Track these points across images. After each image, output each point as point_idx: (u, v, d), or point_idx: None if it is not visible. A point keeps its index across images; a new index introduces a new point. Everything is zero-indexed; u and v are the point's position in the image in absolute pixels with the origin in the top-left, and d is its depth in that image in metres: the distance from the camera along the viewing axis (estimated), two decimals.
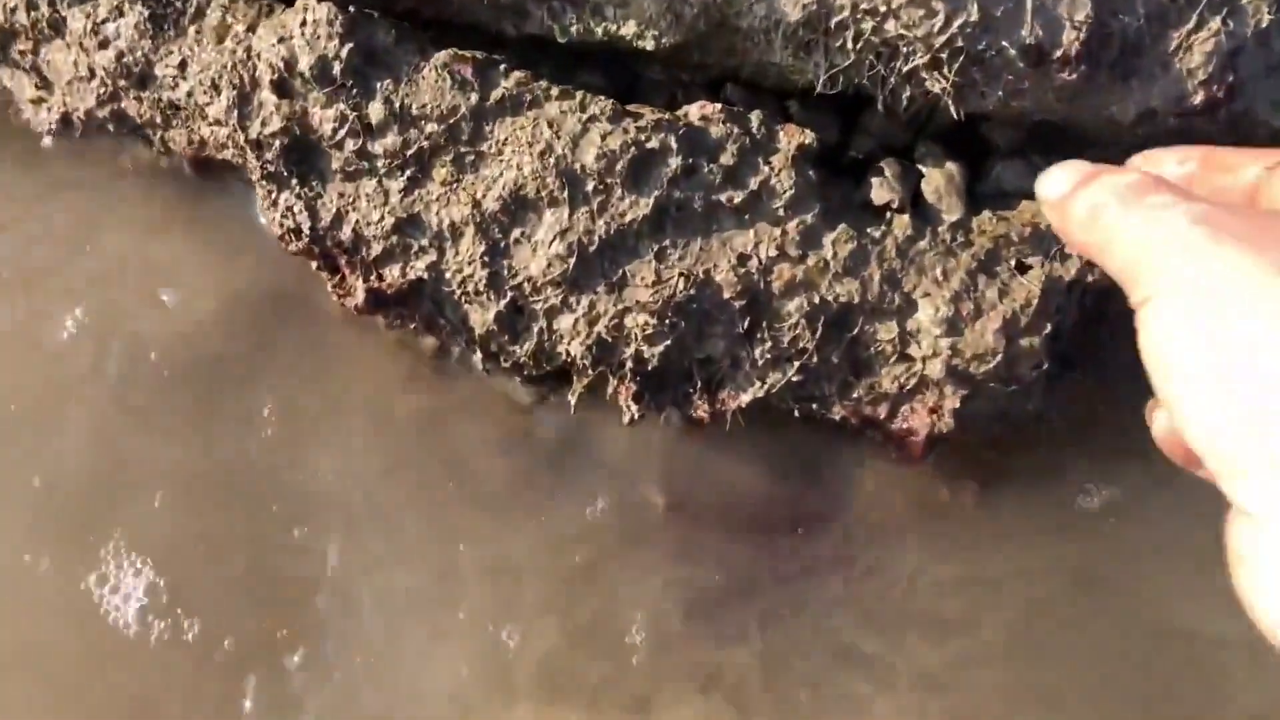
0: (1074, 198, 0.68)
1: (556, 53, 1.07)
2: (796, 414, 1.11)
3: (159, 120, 1.08)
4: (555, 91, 0.98)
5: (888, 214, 1.05)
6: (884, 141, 1.08)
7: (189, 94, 1.04)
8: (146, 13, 1.04)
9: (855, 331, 1.05)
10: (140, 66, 1.05)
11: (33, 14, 1.09)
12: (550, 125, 0.98)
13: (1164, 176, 0.64)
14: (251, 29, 1.03)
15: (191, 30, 1.06)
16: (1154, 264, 0.56)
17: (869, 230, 1.04)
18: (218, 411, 1.15)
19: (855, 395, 1.09)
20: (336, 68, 0.97)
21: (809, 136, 1.01)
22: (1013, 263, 1.06)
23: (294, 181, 1.04)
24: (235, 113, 1.01)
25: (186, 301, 1.18)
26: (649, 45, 0.95)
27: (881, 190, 1.05)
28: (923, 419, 1.08)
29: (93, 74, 1.08)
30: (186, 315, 1.17)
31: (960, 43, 0.91)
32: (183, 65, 1.05)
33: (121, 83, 1.06)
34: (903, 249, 1.04)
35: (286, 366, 1.15)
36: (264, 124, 1.01)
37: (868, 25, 0.91)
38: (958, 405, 1.07)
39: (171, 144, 1.13)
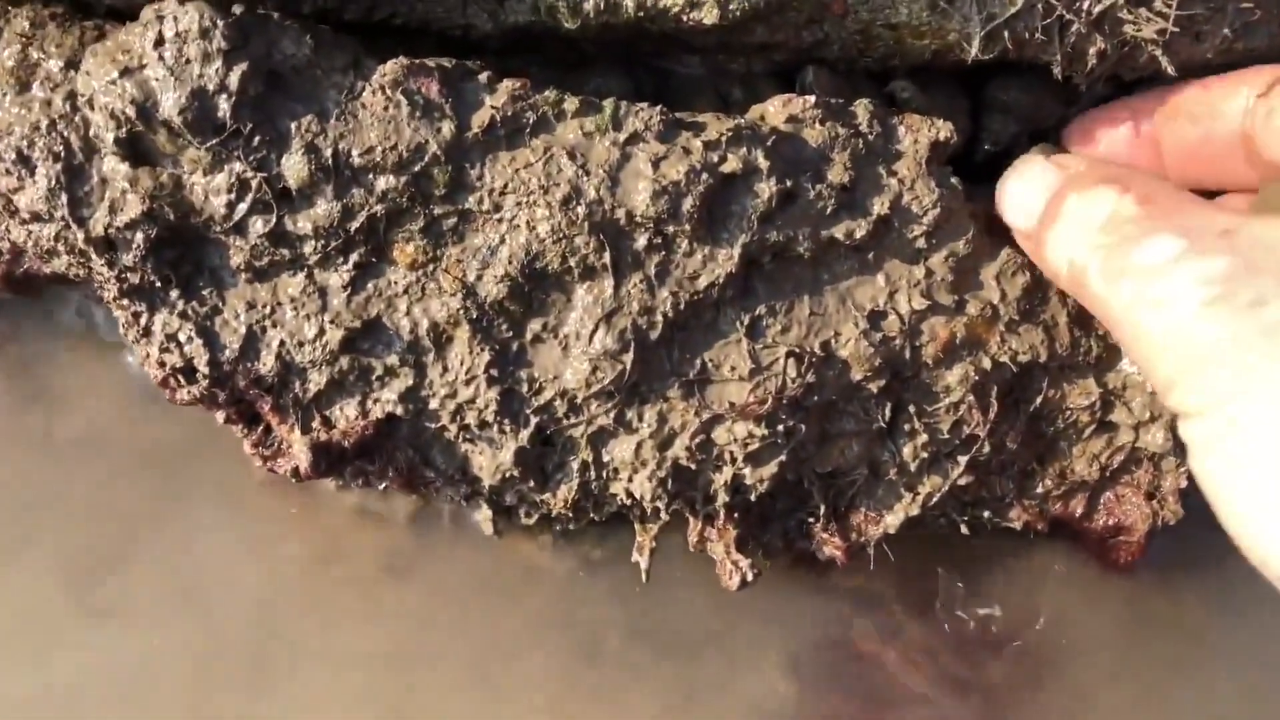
0: (1043, 244, 0.62)
1: (549, 51, 0.72)
2: (963, 528, 0.77)
3: None
4: (571, 104, 0.63)
5: None
6: (1029, 122, 0.75)
7: None
8: None
9: (1039, 401, 0.72)
10: None
11: None
12: (571, 156, 0.63)
13: (1141, 180, 0.58)
14: (73, 64, 0.65)
15: None
16: (1175, 371, 0.50)
17: None
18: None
19: (1039, 490, 0.75)
20: (223, 105, 0.60)
21: (943, 128, 0.68)
22: None
23: (173, 294, 0.65)
24: (63, 198, 0.63)
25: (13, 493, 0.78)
26: (710, 17, 0.61)
27: None
28: (1137, 509, 0.76)
29: None
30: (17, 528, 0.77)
31: None
32: None
33: None
34: None
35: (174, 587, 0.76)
36: (113, 210, 0.63)
37: None
38: (1184, 484, 0.75)
39: None
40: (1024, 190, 0.64)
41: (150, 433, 0.80)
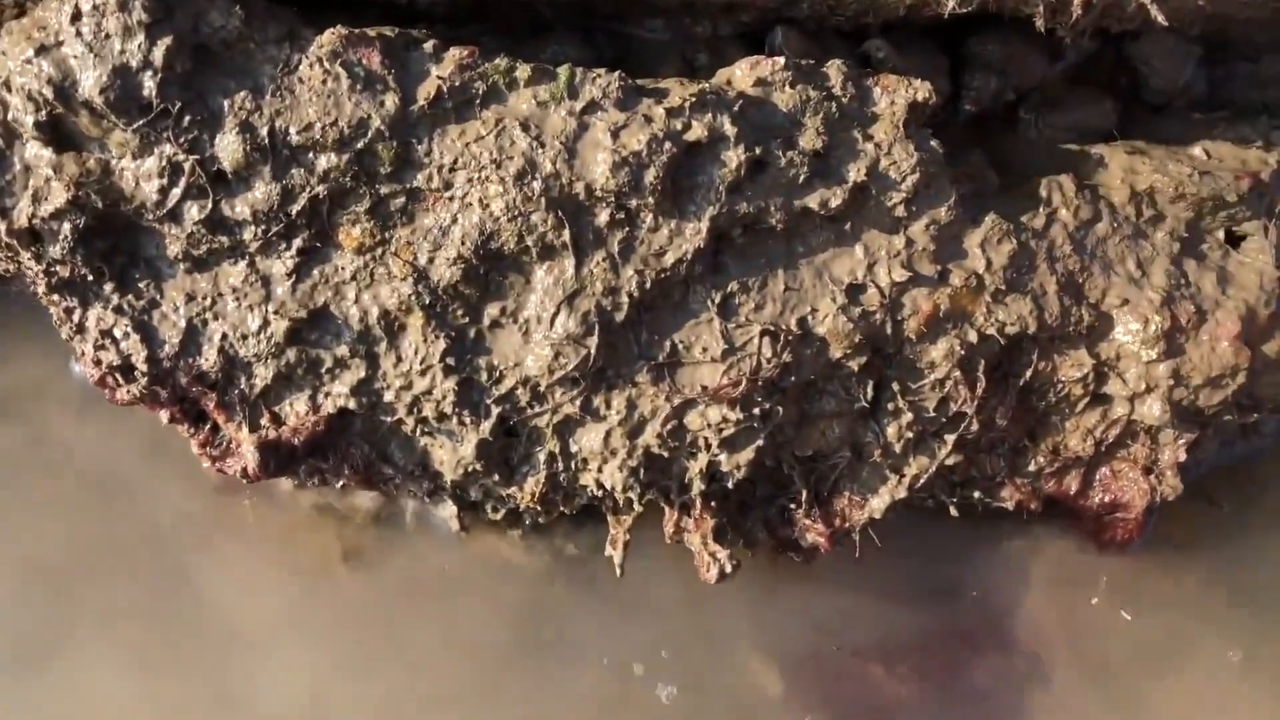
0: None
1: (502, 18, 0.68)
2: (952, 510, 0.73)
3: None
4: (523, 72, 0.59)
5: (1045, 189, 0.69)
6: (1011, 79, 0.71)
7: None
8: None
9: (1029, 374, 0.68)
10: None
11: None
12: (525, 128, 0.59)
13: None
14: None
15: None
16: None
17: (1025, 219, 0.67)
18: None
19: (1032, 467, 0.72)
20: (148, 83, 0.56)
21: (920, 88, 0.64)
22: (1221, 234, 0.71)
23: (107, 288, 0.61)
24: None
25: None
26: None
27: None
28: (1135, 485, 0.72)
29: None
30: None
31: None
32: None
33: None
34: (1077, 237, 0.68)
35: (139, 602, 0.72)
36: (37, 199, 0.59)
37: None
38: (1183, 458, 0.71)
39: None
40: None
41: (99, 440, 0.75)
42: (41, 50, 0.56)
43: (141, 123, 0.56)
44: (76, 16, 0.55)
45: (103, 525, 0.77)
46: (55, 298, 0.60)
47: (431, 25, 0.66)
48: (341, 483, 0.66)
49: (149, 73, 0.54)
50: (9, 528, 0.77)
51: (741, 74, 0.63)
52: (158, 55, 0.54)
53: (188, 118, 0.56)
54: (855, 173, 0.62)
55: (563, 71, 0.59)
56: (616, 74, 0.60)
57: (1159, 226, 0.69)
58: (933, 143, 0.64)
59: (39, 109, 0.56)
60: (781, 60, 0.62)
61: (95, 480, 0.77)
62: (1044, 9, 0.61)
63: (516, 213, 0.58)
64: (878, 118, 0.63)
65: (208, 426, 0.64)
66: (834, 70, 0.62)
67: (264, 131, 0.57)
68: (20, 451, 0.78)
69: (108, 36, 0.54)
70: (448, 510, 0.71)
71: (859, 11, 0.65)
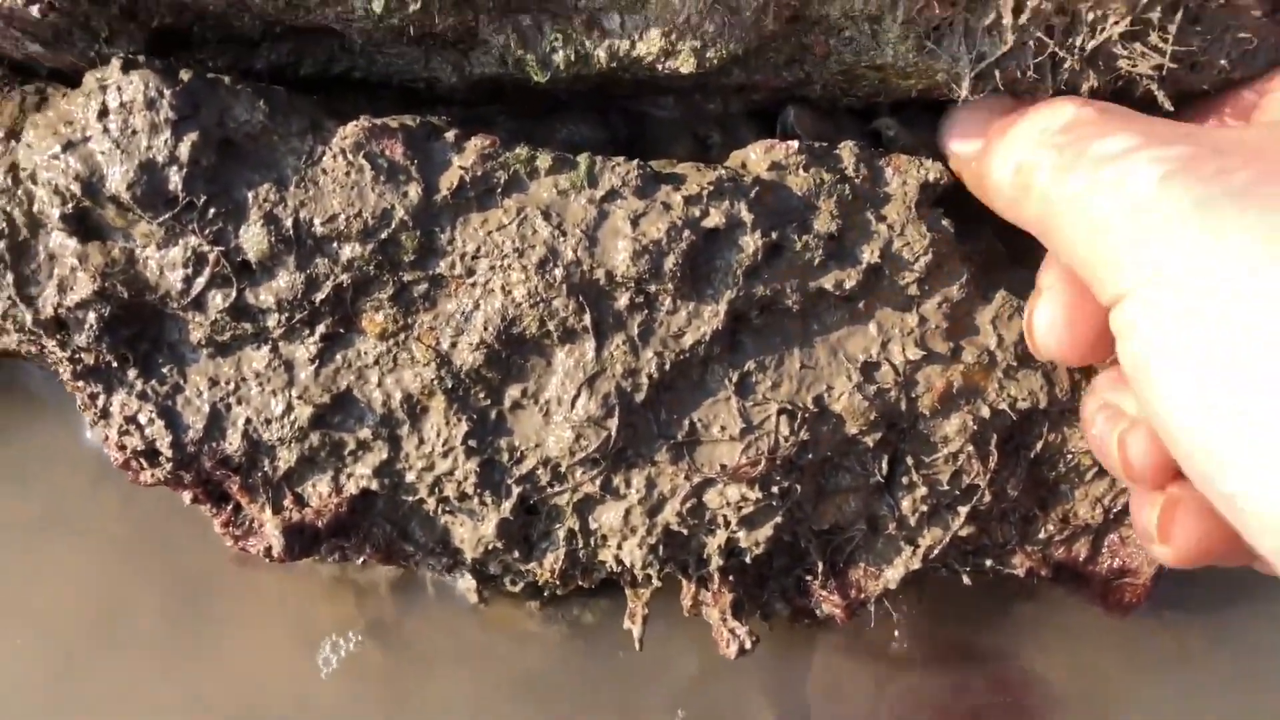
0: (991, 153, 0.58)
1: (516, 99, 0.69)
2: (964, 578, 0.74)
3: None
4: (544, 161, 0.60)
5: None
6: None
7: None
8: None
9: (1039, 446, 0.70)
10: None
11: None
12: (546, 216, 0.60)
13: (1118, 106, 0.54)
14: (14, 134, 0.61)
15: None
16: (1123, 250, 0.45)
17: None
18: None
19: (1042, 535, 0.73)
20: (174, 177, 0.56)
21: (931, 169, 0.65)
22: None
23: (131, 374, 0.62)
24: (9, 278, 0.59)
25: None
26: (687, 66, 0.58)
27: None
28: (1142, 551, 0.73)
29: None
30: None
31: None
32: None
33: None
34: None
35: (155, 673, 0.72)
36: (63, 289, 0.59)
37: None
38: None
39: None
40: (973, 114, 0.61)
41: (115, 509, 0.76)
42: (69, 146, 0.56)
43: (167, 215, 0.56)
44: (104, 113, 0.55)
45: (118, 594, 0.78)
46: (80, 384, 0.60)
47: (448, 107, 0.67)
48: (362, 560, 0.66)
49: (175, 167, 0.55)
50: (23, 596, 0.78)
51: (756, 157, 0.64)
52: (184, 151, 0.55)
53: (212, 210, 0.57)
54: (869, 254, 0.63)
55: (583, 160, 0.60)
56: (635, 162, 0.61)
57: None
58: (944, 222, 0.65)
59: (65, 202, 0.56)
60: (795, 144, 0.63)
61: (110, 548, 0.77)
62: (1052, 94, 0.62)
63: (538, 298, 0.59)
64: (890, 198, 0.64)
65: (230, 506, 0.65)
66: (846, 152, 0.63)
67: (288, 222, 0.57)
68: (35, 519, 0.78)
69: (134, 133, 0.55)
70: (467, 583, 0.71)
71: (870, 93, 0.66)
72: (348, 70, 0.65)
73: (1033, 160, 0.55)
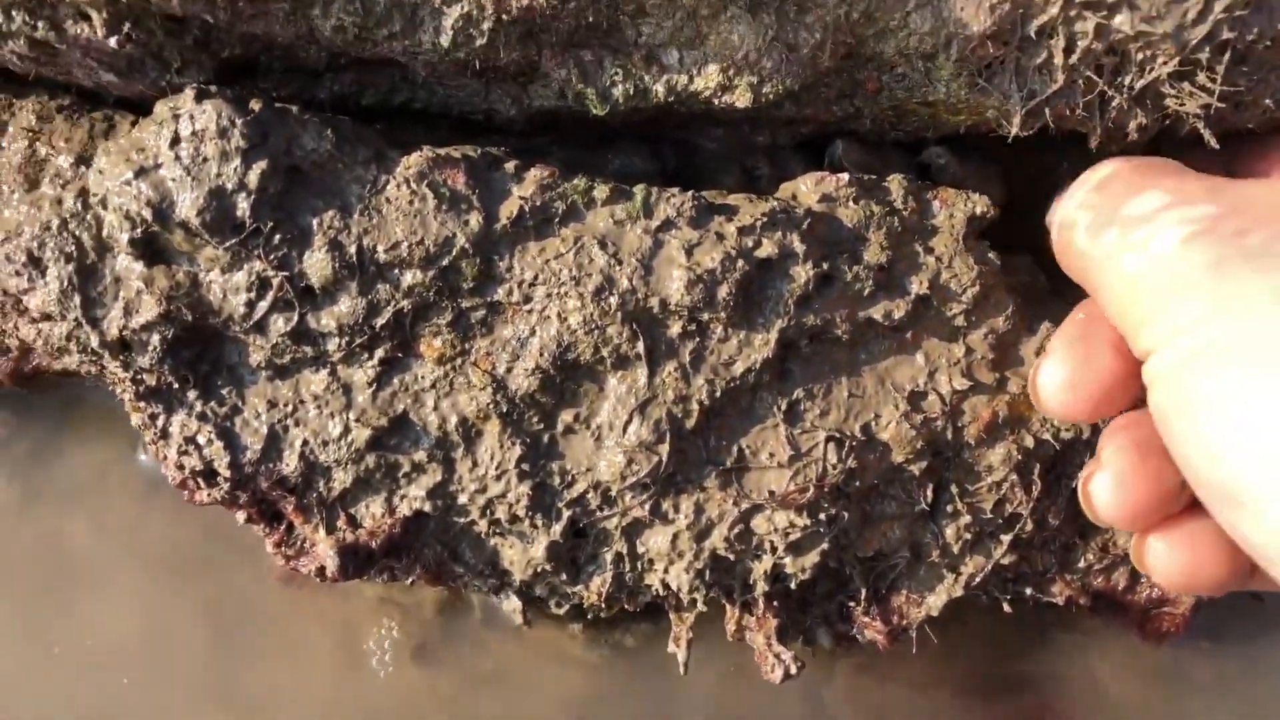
0: (1049, 212, 0.61)
1: (571, 130, 0.70)
2: (1005, 605, 0.75)
3: None
4: (601, 192, 0.61)
5: None
6: (1060, 187, 0.73)
7: None
8: None
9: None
10: None
11: None
12: (603, 245, 0.61)
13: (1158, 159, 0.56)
14: (84, 160, 0.63)
15: None
16: (1148, 307, 0.49)
17: None
18: None
19: (1081, 564, 0.74)
20: (242, 204, 0.58)
21: (979, 202, 0.66)
22: None
23: (191, 395, 0.63)
24: (76, 299, 0.61)
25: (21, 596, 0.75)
26: (743, 101, 0.60)
27: None
28: None
29: None
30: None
31: (1226, 33, 0.58)
32: None
33: None
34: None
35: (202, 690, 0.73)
36: (129, 312, 0.60)
37: (1087, 25, 0.57)
38: None
39: None
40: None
41: (163, 529, 0.77)
42: (140, 173, 0.58)
43: (234, 241, 0.58)
44: (176, 141, 0.57)
45: (163, 610, 0.78)
46: (141, 404, 0.62)
47: (504, 137, 0.68)
48: (410, 580, 0.67)
49: (243, 194, 0.56)
50: (71, 610, 0.78)
51: (807, 189, 0.65)
52: (253, 178, 0.56)
53: (278, 236, 0.58)
54: (917, 285, 0.64)
55: (639, 191, 0.61)
56: (689, 193, 0.62)
57: None
58: (991, 254, 0.66)
59: (135, 227, 0.58)
60: (845, 177, 0.65)
61: (159, 567, 0.78)
62: (1100, 131, 0.63)
63: (593, 326, 0.60)
64: (938, 230, 0.65)
65: (283, 526, 0.66)
66: (895, 185, 0.64)
67: (352, 249, 0.58)
68: (86, 539, 0.79)
69: (205, 160, 0.56)
70: (512, 604, 0.72)
71: (919, 128, 0.67)
72: (408, 101, 0.67)
73: (1071, 218, 0.59)
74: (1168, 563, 0.56)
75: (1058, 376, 0.59)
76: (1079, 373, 0.58)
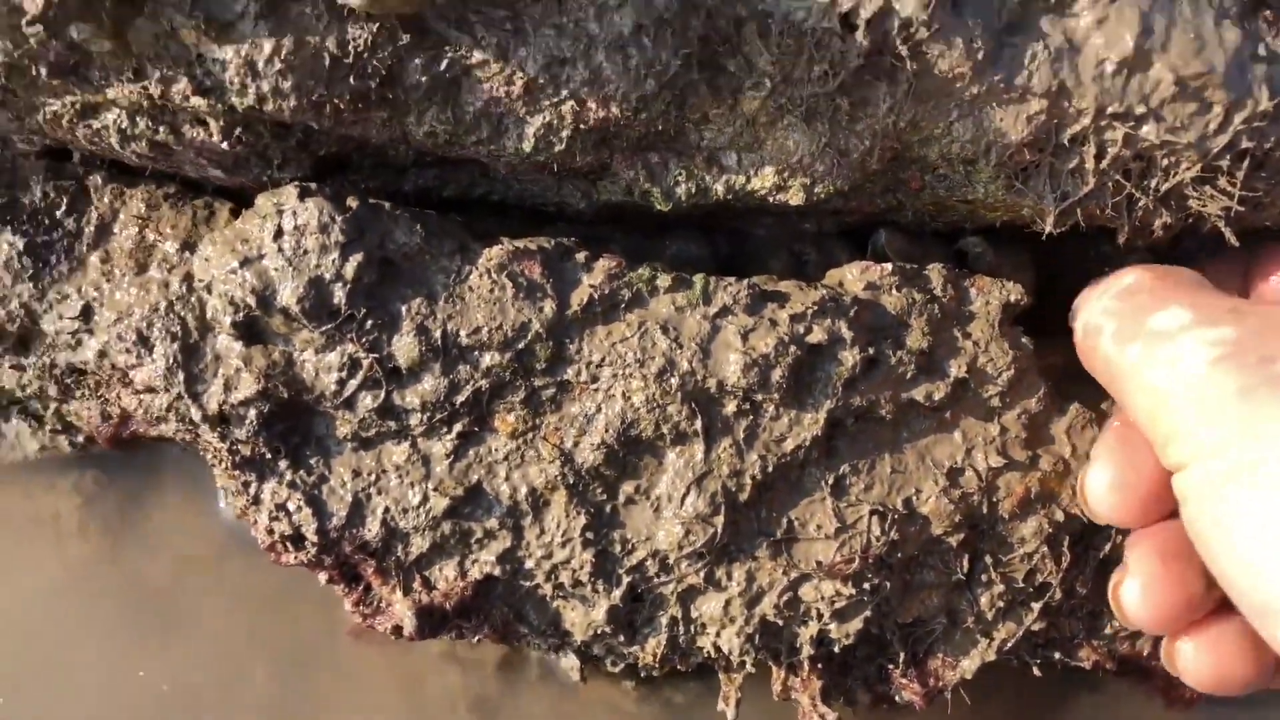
0: (1072, 311, 0.65)
1: (632, 220, 0.76)
2: (1034, 669, 0.79)
3: (53, 392, 0.72)
4: (664, 281, 0.66)
5: None
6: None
7: (101, 354, 0.68)
8: (20, 243, 0.68)
9: (1108, 548, 0.75)
10: (19, 323, 0.69)
11: None
12: (665, 330, 0.66)
13: (1179, 270, 0.59)
14: (188, 246, 0.68)
15: (93, 259, 0.70)
16: (1177, 423, 0.51)
17: (1105, 404, 0.74)
18: None
19: (1108, 631, 0.78)
20: (339, 293, 0.63)
21: (1013, 290, 0.71)
22: None
23: (282, 465, 0.68)
24: (180, 376, 0.66)
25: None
26: (796, 200, 0.65)
27: None
28: None
29: None
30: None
31: (1245, 143, 0.63)
32: (86, 313, 0.69)
33: None
34: None
35: None
36: (228, 388, 0.66)
37: (1116, 135, 0.63)
38: None
39: (75, 420, 0.76)
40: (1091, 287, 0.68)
41: (239, 579, 0.82)
42: (245, 262, 0.63)
43: (329, 326, 0.63)
44: (279, 234, 0.62)
45: (241, 657, 0.83)
46: (235, 473, 0.67)
47: (570, 225, 0.74)
48: (477, 639, 0.71)
49: (340, 284, 0.61)
50: (156, 656, 0.83)
51: (853, 277, 0.70)
52: (349, 270, 0.61)
53: (370, 321, 0.63)
54: (956, 369, 0.68)
55: (698, 280, 0.66)
56: (745, 282, 0.67)
57: None
58: (1024, 339, 0.70)
59: (237, 311, 0.63)
60: (889, 266, 0.70)
61: (235, 614, 0.83)
62: (1128, 229, 0.68)
63: (655, 405, 0.65)
64: (975, 316, 0.70)
65: (361, 586, 0.70)
66: (935, 274, 0.69)
67: (437, 334, 0.64)
68: (162, 586, 0.84)
69: (306, 253, 0.62)
70: (570, 661, 0.76)
71: (957, 221, 0.72)
72: (486, 193, 0.72)
73: (1097, 323, 0.63)
74: (1197, 665, 0.59)
75: (1104, 479, 0.63)
76: (1124, 475, 0.62)
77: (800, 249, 0.78)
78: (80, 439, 0.79)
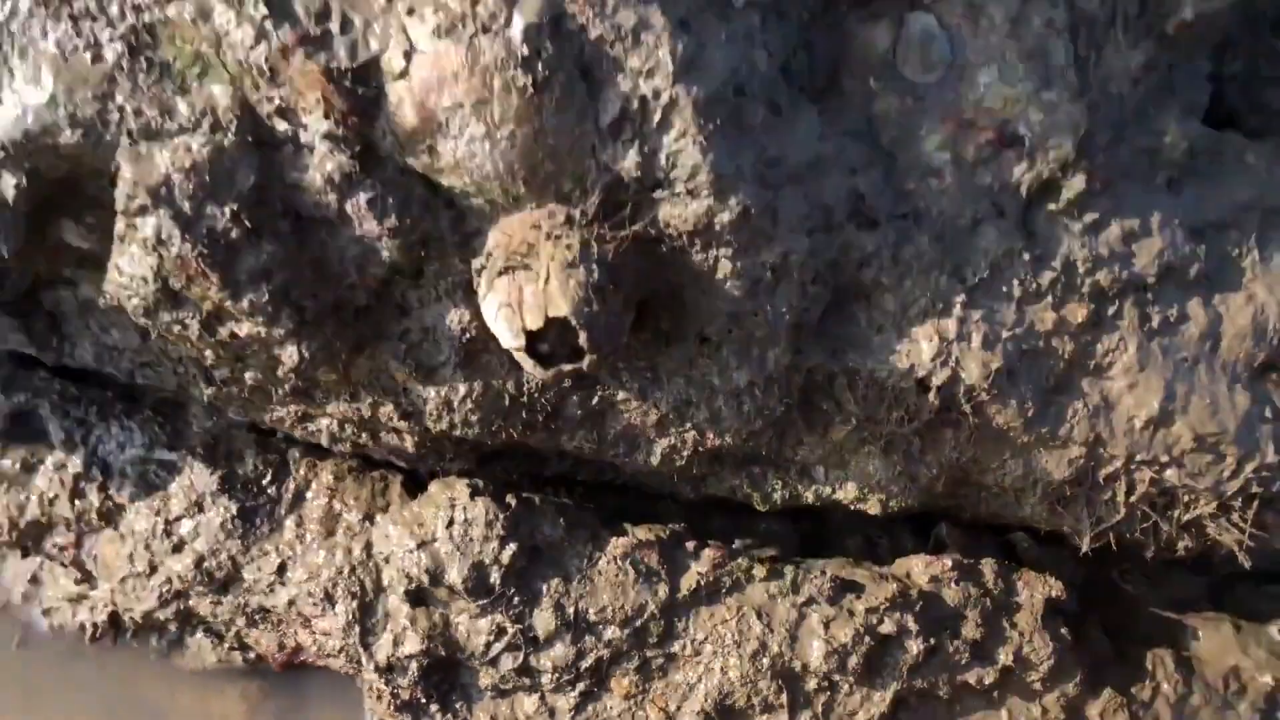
0: None
1: (729, 505, 0.90)
2: None
3: (241, 622, 0.86)
4: (759, 571, 0.80)
5: (1150, 662, 0.87)
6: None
7: (290, 602, 0.83)
8: (234, 508, 0.84)
9: None
10: (225, 571, 0.84)
11: (78, 504, 0.88)
12: (760, 615, 0.79)
13: None
14: (369, 518, 0.83)
15: (289, 522, 0.86)
16: None
17: (1134, 689, 0.86)
18: None
19: None
20: (495, 575, 0.78)
21: (1055, 587, 0.84)
22: None
23: (433, 708, 0.82)
24: (357, 630, 0.80)
25: None
26: (873, 509, 0.79)
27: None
28: None
29: (153, 569, 0.87)
30: None
31: (1255, 488, 0.76)
32: (281, 569, 0.85)
33: (199, 588, 0.85)
34: (1177, 710, 0.86)
35: None
36: (396, 643, 0.80)
37: (1144, 476, 0.76)
38: None
39: (253, 644, 0.91)
40: None
41: None
42: (421, 545, 0.78)
43: (485, 601, 0.77)
44: (450, 524, 0.77)
45: None
46: (394, 715, 0.80)
47: (678, 503, 0.88)
48: None
49: (496, 568, 0.76)
50: None
51: (918, 570, 0.83)
52: (505, 557, 0.76)
53: (517, 598, 0.77)
54: (1004, 656, 0.81)
55: (789, 572, 0.80)
56: (828, 575, 0.80)
57: (1243, 698, 0.86)
58: (1063, 630, 0.82)
59: (410, 583, 0.77)
60: (949, 561, 0.83)
61: None
62: (1154, 549, 0.80)
63: (748, 680, 0.78)
64: (1020, 608, 0.82)
65: None
66: (988, 568, 0.82)
67: (570, 610, 0.78)
68: None
69: (471, 540, 0.76)
70: None
71: (1008, 525, 0.85)
72: (612, 479, 0.87)
73: None
74: None
75: None
76: None
77: (873, 534, 0.92)
78: (252, 656, 0.93)
